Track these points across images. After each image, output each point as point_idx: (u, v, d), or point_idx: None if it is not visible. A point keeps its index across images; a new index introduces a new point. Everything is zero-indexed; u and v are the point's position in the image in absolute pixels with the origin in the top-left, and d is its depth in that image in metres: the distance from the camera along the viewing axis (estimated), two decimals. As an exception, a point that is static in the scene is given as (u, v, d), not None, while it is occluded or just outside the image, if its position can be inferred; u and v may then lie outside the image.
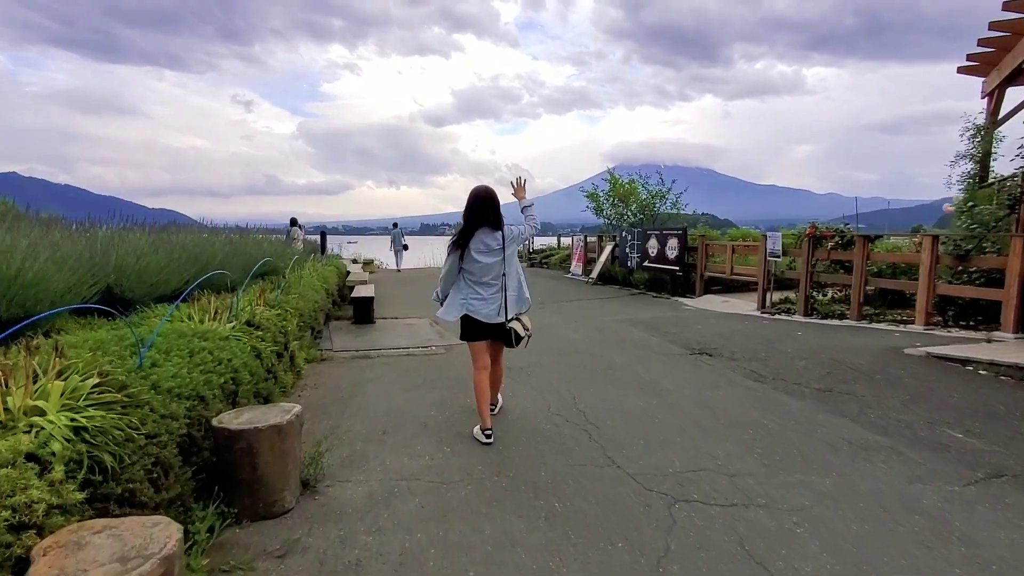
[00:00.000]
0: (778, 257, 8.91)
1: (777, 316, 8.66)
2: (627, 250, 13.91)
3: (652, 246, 12.67)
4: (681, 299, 11.38)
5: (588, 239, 17.51)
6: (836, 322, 7.73)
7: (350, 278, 11.14)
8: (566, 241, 24.39)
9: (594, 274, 15.17)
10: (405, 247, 22.37)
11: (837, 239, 8.04)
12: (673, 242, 11.86)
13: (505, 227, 3.63)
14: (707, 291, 11.39)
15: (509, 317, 3.70)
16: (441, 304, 3.82)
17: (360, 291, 9.25)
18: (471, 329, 3.70)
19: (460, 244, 3.60)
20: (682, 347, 6.50)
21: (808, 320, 8.06)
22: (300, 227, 16.52)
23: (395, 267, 22.73)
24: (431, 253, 30.11)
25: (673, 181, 16.24)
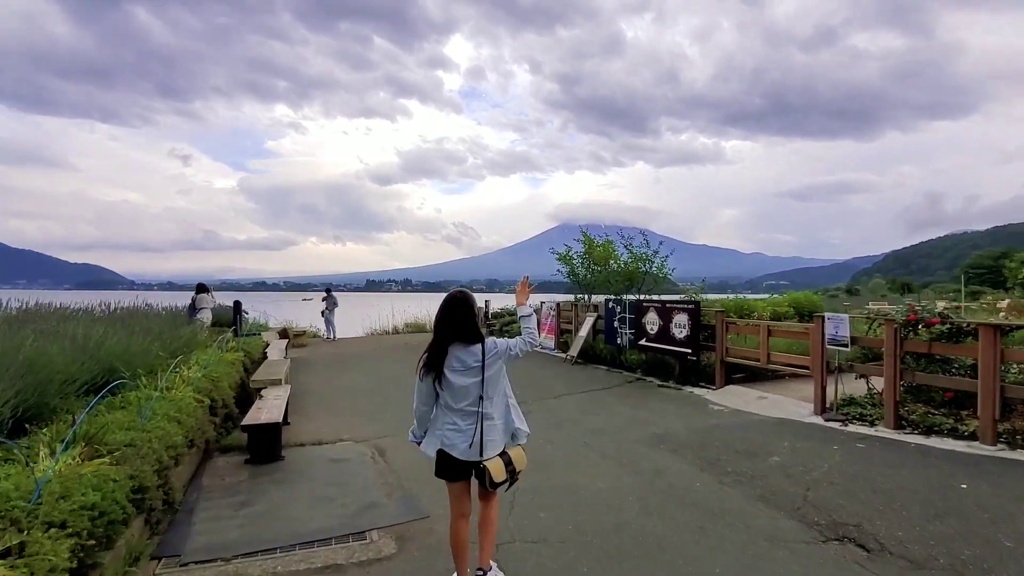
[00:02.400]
0: (845, 346, 6.73)
1: (852, 426, 6.38)
2: (615, 323, 11.58)
3: (651, 321, 10.38)
4: (697, 390, 8.98)
5: (561, 305, 15.15)
6: (959, 444, 5.48)
7: (261, 373, 8.02)
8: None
9: (574, 351, 12.69)
10: (329, 308, 19.33)
11: (943, 328, 5.89)
12: (682, 318, 9.59)
13: (487, 340, 2.91)
14: (728, 379, 9.08)
15: (486, 455, 2.84)
16: (419, 444, 3.03)
17: (266, 401, 6.24)
18: (445, 466, 2.90)
19: (432, 364, 2.86)
20: (793, 517, 3.95)
21: (911, 438, 5.78)
22: (209, 293, 13.24)
23: (328, 335, 19.45)
24: (375, 316, 26.92)
25: (660, 243, 14.26)
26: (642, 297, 11.97)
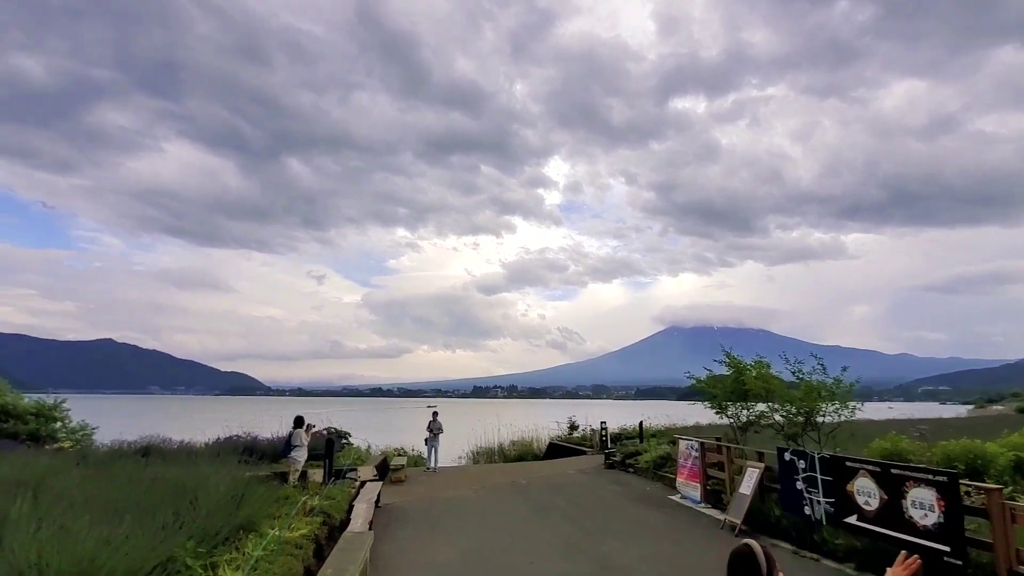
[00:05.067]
0: None
1: None
2: (797, 484, 8.42)
3: (865, 491, 7.19)
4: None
5: (704, 444, 12.03)
6: None
7: (332, 565, 6.08)
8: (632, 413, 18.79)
9: (735, 514, 9.46)
10: (433, 435, 17.33)
11: None
12: (925, 495, 6.38)
13: None
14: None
15: None
16: None
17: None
18: None
19: None
20: None
21: None
22: (306, 428, 12.13)
23: (430, 464, 17.52)
24: (480, 431, 24.83)
25: (844, 369, 10.89)
26: (844, 455, 8.70)
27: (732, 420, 12.60)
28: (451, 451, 22.47)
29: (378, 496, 11.25)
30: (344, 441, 17.03)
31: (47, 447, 13.36)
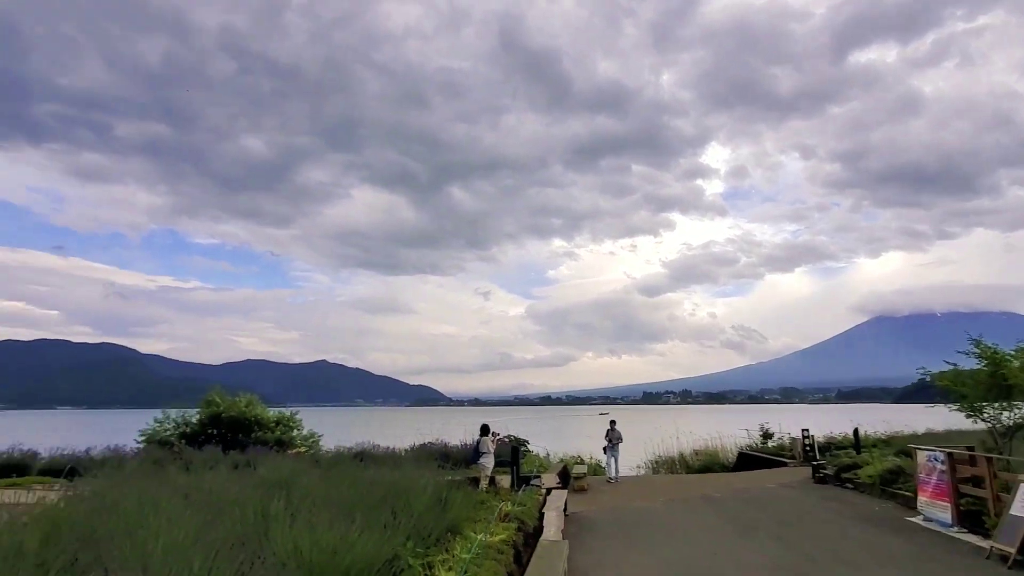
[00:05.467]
0: None
1: None
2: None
3: None
4: None
5: (954, 455, 9.74)
6: None
7: (533, 572, 6.12)
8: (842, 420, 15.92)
9: (1010, 540, 7.43)
10: (612, 444, 16.74)
11: None
12: None
13: None
14: None
15: None
16: None
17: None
18: None
19: None
20: None
21: None
22: (492, 436, 12.68)
23: (611, 475, 17.06)
24: (657, 439, 23.63)
25: None
26: None
27: (991, 424, 10.06)
28: (627, 460, 21.76)
29: (565, 504, 11.24)
30: (523, 448, 17.54)
31: (289, 452, 16.02)
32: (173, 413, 20.08)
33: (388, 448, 15.56)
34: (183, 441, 17.88)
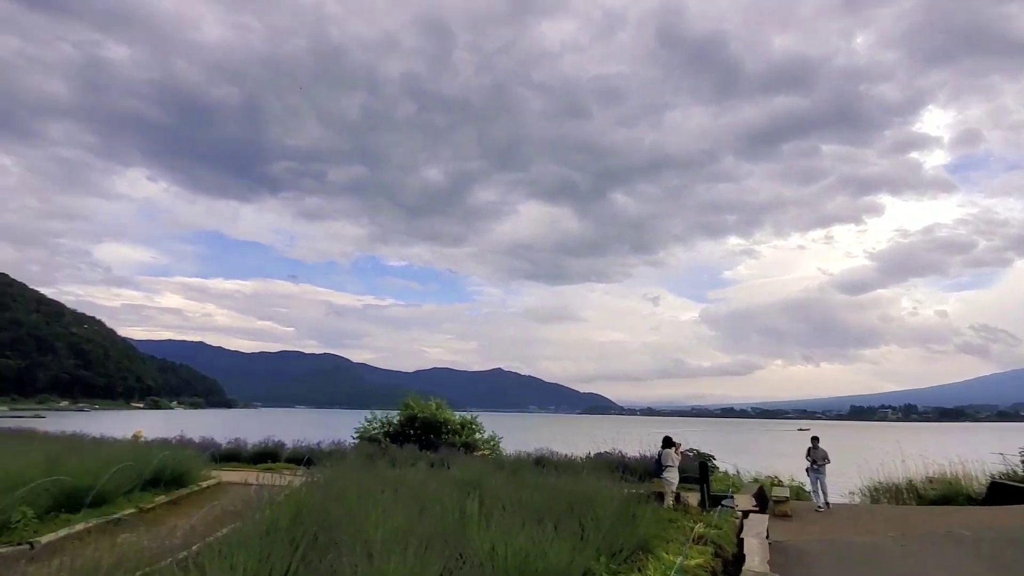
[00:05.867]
0: None
1: None
2: None
3: None
4: None
5: None
6: None
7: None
8: None
9: None
10: (818, 464, 14.42)
11: None
12: None
13: None
14: None
15: None
16: None
17: None
18: None
19: None
20: None
21: None
22: (676, 448, 11.97)
23: (819, 503, 14.75)
24: (873, 461, 19.91)
25: None
26: None
27: None
28: (836, 484, 18.75)
29: (767, 531, 10.05)
30: (710, 464, 16.25)
31: (475, 453, 17.11)
32: (379, 414, 22.94)
33: (566, 455, 15.69)
34: (388, 439, 20.27)
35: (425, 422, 20.79)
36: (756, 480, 16.50)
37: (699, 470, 11.37)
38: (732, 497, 12.24)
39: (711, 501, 11.03)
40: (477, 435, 22.32)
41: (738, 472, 17.17)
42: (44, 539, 6.87)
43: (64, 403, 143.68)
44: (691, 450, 16.22)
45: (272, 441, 18.84)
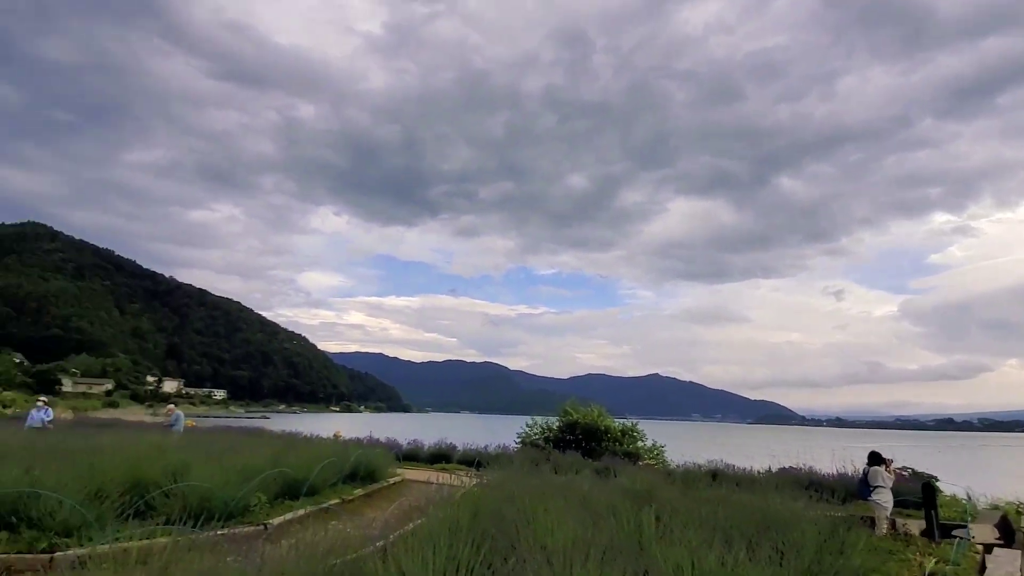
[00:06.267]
0: None
1: None
2: None
3: None
4: None
5: None
6: None
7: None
8: None
9: None
10: None
11: None
12: None
13: None
14: None
15: None
16: None
17: None
18: None
19: None
20: None
21: None
22: (886, 466, 10.17)
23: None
24: None
25: None
26: None
27: None
28: None
29: (1019, 572, 8.00)
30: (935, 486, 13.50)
31: (639, 463, 16.46)
32: (539, 420, 23.36)
33: (743, 469, 14.28)
34: (550, 444, 20.52)
35: (587, 429, 20.63)
36: (996, 507, 13.31)
37: (923, 492, 9.43)
38: (966, 527, 9.98)
39: (940, 531, 9.08)
40: (639, 443, 21.52)
41: (969, 496, 14.01)
42: (274, 521, 8.12)
43: (282, 407, 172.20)
44: (905, 468, 13.68)
45: (445, 444, 20.24)
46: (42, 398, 21.15)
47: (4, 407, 42.20)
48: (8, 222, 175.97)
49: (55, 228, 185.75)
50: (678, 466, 15.73)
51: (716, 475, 12.75)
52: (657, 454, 21.27)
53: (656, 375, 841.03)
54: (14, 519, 6.31)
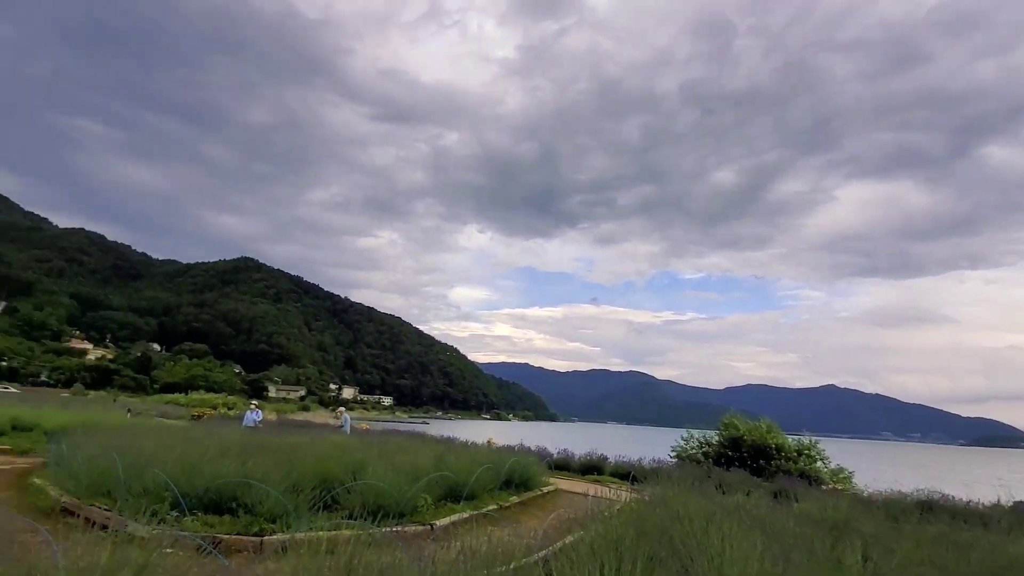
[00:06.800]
0: None
1: None
2: None
3: None
4: None
5: None
6: None
7: None
8: None
9: None
10: None
11: None
12: None
13: None
14: None
15: None
16: None
17: None
18: None
19: None
20: None
21: None
22: None
23: None
24: None
25: None
26: None
27: None
28: None
29: None
30: None
31: (822, 487, 14.36)
32: (695, 433, 21.73)
33: (966, 501, 11.63)
34: (709, 460, 18.93)
35: (755, 446, 18.65)
36: None
37: None
38: None
39: None
40: (819, 463, 18.86)
41: None
42: (440, 522, 8.49)
43: (439, 413, 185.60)
44: None
45: (596, 454, 19.77)
46: (254, 402, 26.00)
47: (229, 409, 51.64)
48: (228, 258, 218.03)
49: (260, 260, 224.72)
50: (874, 493, 13.38)
51: (930, 506, 10.53)
52: (844, 478, 18.46)
53: (832, 386, 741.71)
54: (233, 504, 7.41)
